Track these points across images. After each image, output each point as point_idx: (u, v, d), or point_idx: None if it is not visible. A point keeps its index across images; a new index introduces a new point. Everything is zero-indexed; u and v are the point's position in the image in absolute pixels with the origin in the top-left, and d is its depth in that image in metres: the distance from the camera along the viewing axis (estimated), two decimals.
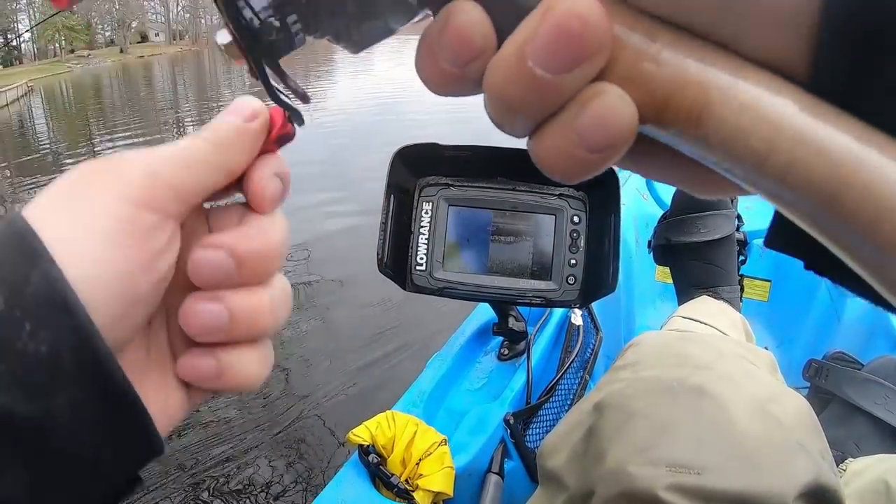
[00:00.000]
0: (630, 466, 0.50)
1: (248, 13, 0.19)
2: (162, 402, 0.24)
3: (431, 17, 0.19)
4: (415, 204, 0.71)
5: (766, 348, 0.94)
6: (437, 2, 0.18)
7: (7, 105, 15.75)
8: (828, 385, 0.96)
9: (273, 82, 0.23)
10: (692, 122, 0.16)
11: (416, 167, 0.71)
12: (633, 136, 0.17)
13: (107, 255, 0.20)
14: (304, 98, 0.24)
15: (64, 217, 0.20)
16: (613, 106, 0.16)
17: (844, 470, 0.70)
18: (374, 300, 2.71)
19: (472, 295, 0.72)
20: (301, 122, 0.25)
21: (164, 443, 0.23)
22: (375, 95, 10.37)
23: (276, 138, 0.25)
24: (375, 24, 0.20)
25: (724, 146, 0.16)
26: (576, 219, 0.70)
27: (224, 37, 0.21)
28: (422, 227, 0.71)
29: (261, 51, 0.21)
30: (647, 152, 0.19)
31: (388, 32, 0.20)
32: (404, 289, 0.71)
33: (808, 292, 1.42)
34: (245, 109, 0.24)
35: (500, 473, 0.85)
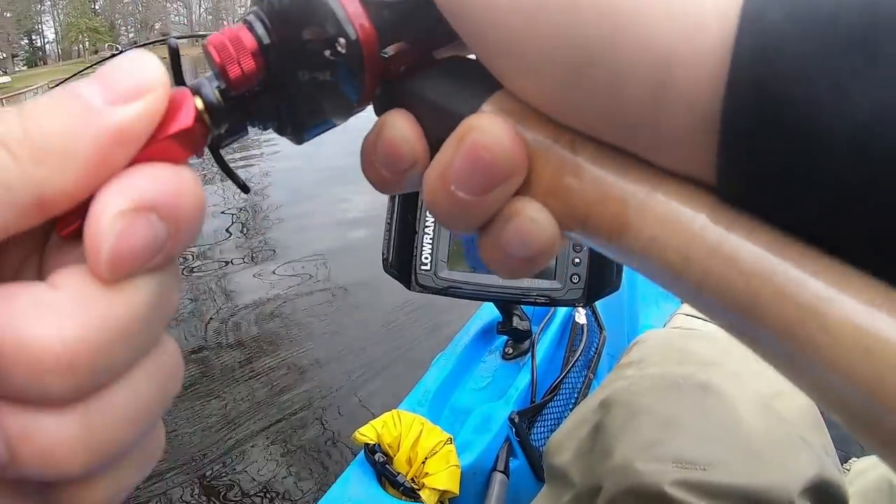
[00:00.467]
0: (637, 462, 0.51)
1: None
2: None
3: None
4: (419, 203, 0.72)
5: None
6: (378, 106, 0.20)
7: None
8: None
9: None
10: (613, 233, 0.16)
11: None
12: (557, 245, 0.18)
13: None
14: (244, 189, 0.23)
15: None
16: (531, 223, 0.17)
17: (849, 469, 0.70)
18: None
19: (477, 294, 0.73)
20: (246, 190, 0.23)
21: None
22: None
23: (177, 133, 0.17)
24: (315, 118, 0.21)
25: (643, 257, 0.16)
26: None
27: None
28: (426, 226, 0.71)
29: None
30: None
31: (330, 126, 0.21)
32: (409, 288, 0.71)
33: None
34: (119, 80, 0.15)
35: (506, 472, 0.85)
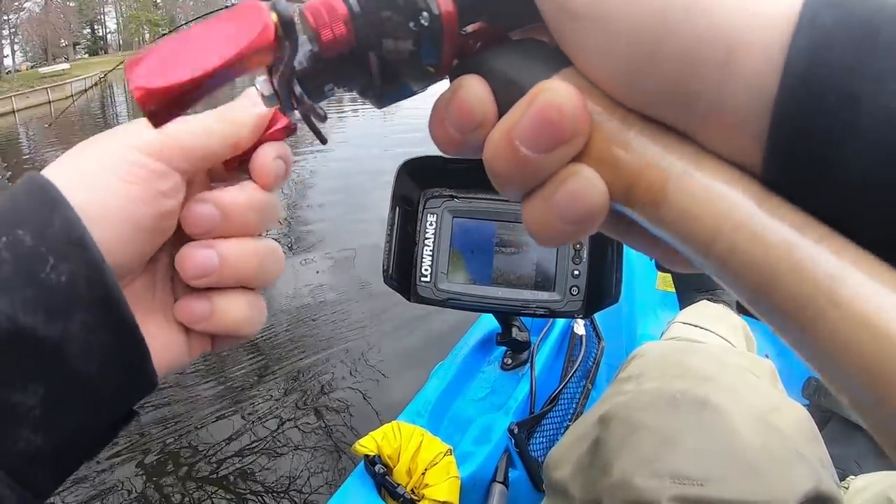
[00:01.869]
0: (635, 479, 0.51)
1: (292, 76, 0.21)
2: (164, 344, 0.27)
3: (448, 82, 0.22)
4: (419, 216, 0.72)
5: (767, 356, 0.95)
6: (452, 73, 0.22)
7: (72, 96, 16.41)
8: (827, 403, 0.96)
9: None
10: (652, 204, 0.18)
11: (421, 179, 0.72)
12: (604, 212, 0.19)
13: (113, 186, 0.24)
14: (322, 140, 0.26)
15: (76, 161, 0.25)
16: (585, 186, 0.19)
17: (847, 487, 0.70)
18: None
19: (477, 306, 0.73)
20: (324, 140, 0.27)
21: (159, 381, 0.26)
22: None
23: (281, 129, 0.28)
24: (396, 84, 0.23)
25: (677, 229, 0.17)
26: None
27: (266, 88, 0.22)
28: (426, 238, 0.72)
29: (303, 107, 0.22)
30: (628, 229, 0.22)
31: (411, 94, 0.23)
32: (409, 300, 0.72)
33: None
34: (256, 96, 0.25)
35: (505, 483, 0.85)
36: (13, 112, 17.40)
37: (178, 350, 0.28)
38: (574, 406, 1.06)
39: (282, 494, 1.76)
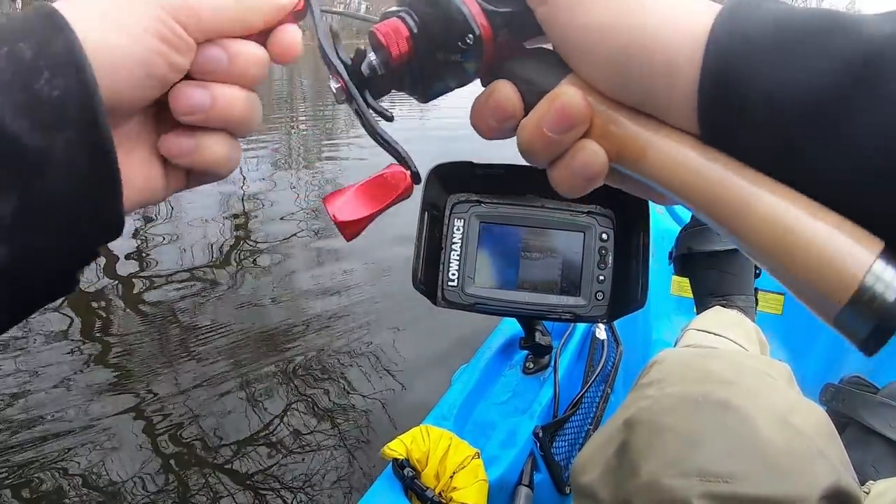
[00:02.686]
0: (664, 479, 0.52)
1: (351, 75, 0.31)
2: (143, 177, 0.29)
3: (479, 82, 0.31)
4: (446, 221, 0.73)
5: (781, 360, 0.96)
6: (486, 78, 0.30)
7: None
8: (844, 409, 0.97)
9: (374, 127, 0.31)
10: (635, 161, 0.27)
11: (449, 184, 0.73)
12: (605, 170, 0.28)
13: (134, 32, 0.25)
14: (388, 118, 0.31)
15: (99, 2, 0.26)
16: (591, 154, 0.27)
17: (868, 492, 0.70)
18: None
19: (503, 310, 0.74)
20: (418, 180, 0.33)
21: (126, 219, 0.27)
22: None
23: (293, 14, 0.31)
24: (441, 85, 0.31)
25: (652, 175, 0.26)
26: (604, 236, 0.72)
27: (334, 84, 0.31)
28: (453, 243, 0.73)
29: (361, 100, 0.31)
30: (624, 181, 0.30)
31: (449, 90, 0.32)
32: (435, 304, 0.73)
33: None
34: None
35: (530, 486, 0.86)
36: None
37: (156, 185, 0.30)
38: (594, 410, 1.07)
39: (304, 495, 1.77)
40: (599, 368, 1.07)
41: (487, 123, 0.30)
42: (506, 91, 0.29)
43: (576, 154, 0.28)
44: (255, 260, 3.39)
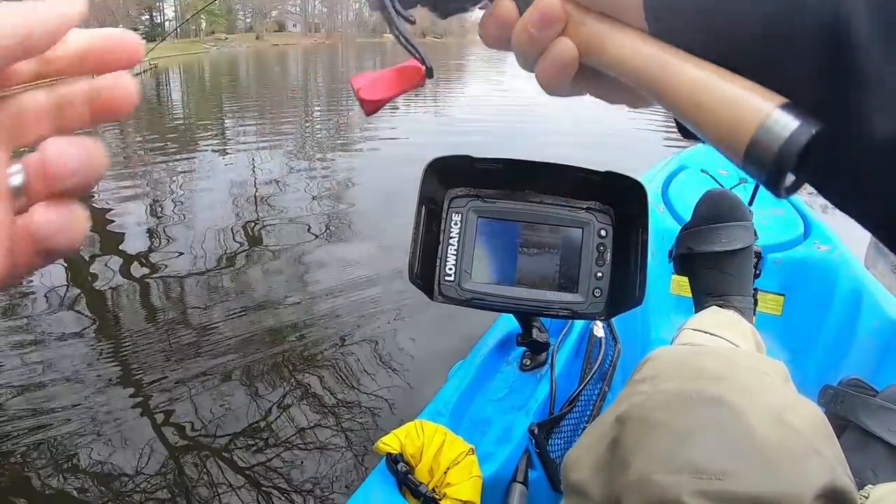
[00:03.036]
0: (654, 475, 0.52)
1: None
2: None
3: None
4: (444, 215, 0.73)
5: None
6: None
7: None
8: (843, 411, 0.96)
9: (402, 35, 0.36)
10: (599, 54, 0.31)
11: (447, 179, 0.73)
12: (576, 62, 0.32)
13: None
14: (411, 22, 0.37)
15: None
16: (565, 47, 0.32)
17: (867, 497, 0.70)
18: None
19: (500, 306, 0.74)
20: (431, 74, 0.38)
21: None
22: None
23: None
24: (457, 4, 0.37)
25: (612, 65, 0.31)
26: (603, 232, 0.71)
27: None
28: (451, 238, 0.73)
29: (391, 6, 0.36)
30: (598, 81, 0.34)
31: (464, 9, 0.37)
32: (432, 299, 0.72)
33: (821, 306, 1.42)
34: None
35: (525, 483, 0.86)
36: None
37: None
38: (591, 408, 1.07)
39: (302, 489, 1.78)
40: (597, 366, 1.07)
41: (490, 33, 0.35)
42: (506, 5, 0.34)
43: (553, 48, 0.33)
44: (265, 258, 3.41)
